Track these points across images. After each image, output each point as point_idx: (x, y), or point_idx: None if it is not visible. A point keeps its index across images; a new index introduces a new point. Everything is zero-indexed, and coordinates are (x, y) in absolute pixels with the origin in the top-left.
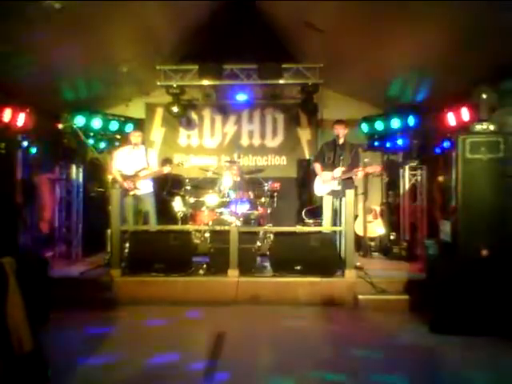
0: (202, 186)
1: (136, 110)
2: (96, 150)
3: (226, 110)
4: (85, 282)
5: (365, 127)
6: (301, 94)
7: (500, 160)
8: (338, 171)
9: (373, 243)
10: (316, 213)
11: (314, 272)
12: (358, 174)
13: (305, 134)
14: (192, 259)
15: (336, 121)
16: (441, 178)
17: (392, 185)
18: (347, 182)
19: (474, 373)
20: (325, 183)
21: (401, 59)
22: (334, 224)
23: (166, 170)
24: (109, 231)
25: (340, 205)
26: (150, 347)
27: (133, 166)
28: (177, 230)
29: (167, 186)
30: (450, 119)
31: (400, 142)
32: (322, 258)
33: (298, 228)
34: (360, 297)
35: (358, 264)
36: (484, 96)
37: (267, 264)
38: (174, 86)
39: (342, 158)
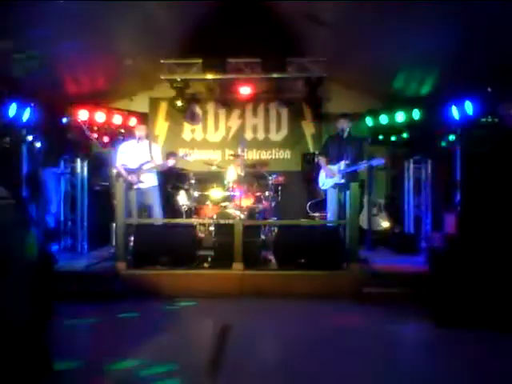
0: (206, 179)
1: (140, 104)
2: (100, 144)
3: (229, 103)
4: (90, 276)
5: (369, 121)
6: (305, 88)
7: (504, 153)
8: (342, 165)
9: (377, 236)
10: (320, 206)
11: (319, 265)
12: (362, 167)
13: (309, 128)
14: (197, 253)
15: (340, 115)
16: (445, 172)
17: (397, 178)
18: (351, 175)
19: (476, 367)
20: (329, 177)
21: (405, 52)
22: (339, 217)
23: (171, 162)
24: (114, 225)
25: (344, 198)
26: (154, 340)
27: (137, 159)
28: (181, 224)
29: (172, 179)
30: (455, 113)
31: (404, 135)
32: (326, 251)
33: (303, 221)
34: (364, 290)
35: (363, 257)
36: (489, 89)
37: (272, 257)
38: (178, 79)
39: (346, 151)
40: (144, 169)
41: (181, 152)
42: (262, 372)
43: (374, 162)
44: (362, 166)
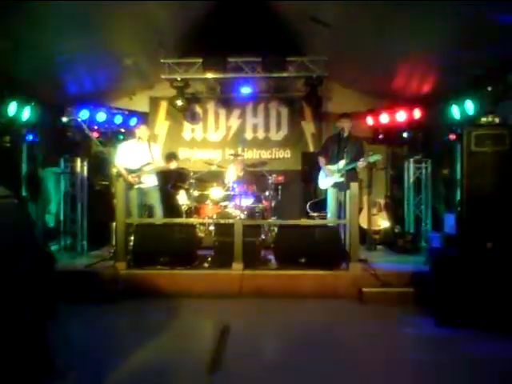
0: (206, 179)
1: (140, 103)
2: (100, 144)
3: (230, 103)
4: (90, 275)
5: (369, 120)
6: (305, 87)
7: (505, 153)
8: (341, 164)
9: (377, 236)
10: (320, 206)
11: (319, 265)
12: (360, 165)
13: (309, 127)
14: (196, 252)
15: (341, 114)
16: (445, 171)
17: (396, 178)
18: (351, 175)
19: (476, 366)
20: (328, 176)
21: (406, 52)
22: (339, 217)
23: (173, 165)
24: (114, 224)
25: (344, 198)
26: (154, 340)
27: (137, 159)
28: (181, 223)
29: (172, 179)
30: (455, 112)
31: (405, 135)
32: (326, 250)
33: (303, 221)
34: (364, 290)
35: (363, 257)
36: (489, 88)
37: (271, 257)
38: (178, 79)
39: (346, 151)
40: (145, 170)
41: (181, 152)
42: (261, 372)
43: (371, 159)
44: (360, 163)
